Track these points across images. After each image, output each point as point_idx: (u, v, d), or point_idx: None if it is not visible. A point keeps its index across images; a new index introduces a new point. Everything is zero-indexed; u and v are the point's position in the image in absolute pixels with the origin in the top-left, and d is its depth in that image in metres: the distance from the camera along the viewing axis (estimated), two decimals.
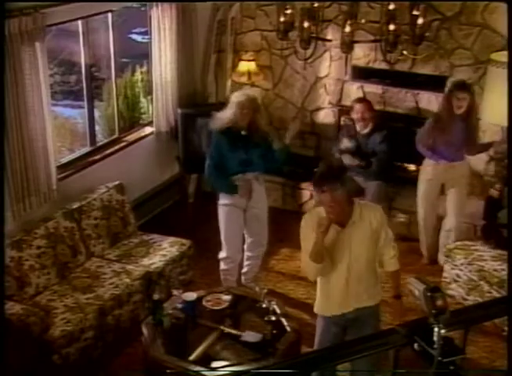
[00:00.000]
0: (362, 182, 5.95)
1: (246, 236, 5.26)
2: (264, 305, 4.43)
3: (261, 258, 5.42)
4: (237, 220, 5.11)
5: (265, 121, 5.13)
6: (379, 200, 5.56)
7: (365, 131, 5.98)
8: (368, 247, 3.68)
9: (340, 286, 3.75)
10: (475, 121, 5.46)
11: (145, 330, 4.27)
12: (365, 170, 5.96)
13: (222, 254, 5.21)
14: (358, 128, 6.02)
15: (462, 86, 5.39)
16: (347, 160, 5.91)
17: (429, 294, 1.74)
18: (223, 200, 5.08)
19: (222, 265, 5.25)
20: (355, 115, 6.00)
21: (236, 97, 4.93)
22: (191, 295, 4.48)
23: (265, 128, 5.12)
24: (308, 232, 3.65)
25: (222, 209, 5.09)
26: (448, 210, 5.66)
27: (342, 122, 6.75)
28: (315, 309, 3.94)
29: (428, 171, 5.63)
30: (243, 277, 5.40)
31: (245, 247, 5.29)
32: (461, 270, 5.29)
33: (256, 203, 5.10)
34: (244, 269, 5.39)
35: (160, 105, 6.35)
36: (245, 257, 5.33)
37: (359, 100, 6.11)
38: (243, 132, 4.90)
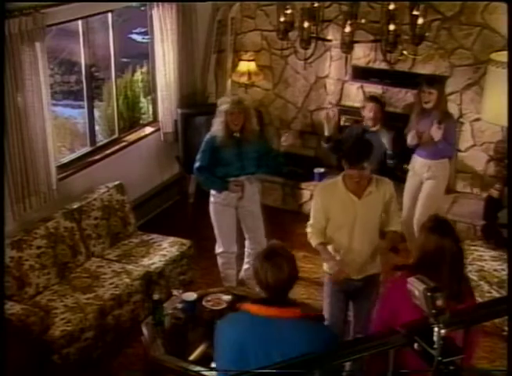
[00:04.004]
0: None
1: (244, 232, 5.32)
2: None
3: None
4: (229, 216, 5.17)
5: (255, 120, 5.15)
6: None
7: (374, 128, 5.91)
8: (379, 216, 4.01)
9: (353, 253, 4.01)
10: (447, 118, 5.36)
11: (145, 330, 4.27)
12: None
13: (218, 249, 5.29)
14: (365, 124, 5.89)
15: (429, 81, 5.42)
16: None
17: (429, 294, 1.75)
18: (214, 198, 5.15)
19: (220, 260, 5.32)
20: (366, 113, 5.84)
21: (221, 105, 4.99)
22: (191, 295, 4.48)
23: (256, 127, 5.16)
24: (319, 203, 4.06)
25: (213, 207, 5.17)
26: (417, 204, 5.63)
27: (342, 123, 6.76)
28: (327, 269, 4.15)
29: (411, 167, 5.67)
30: (243, 273, 5.45)
31: (246, 243, 5.35)
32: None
33: (248, 201, 5.16)
34: (245, 266, 5.42)
35: (166, 105, 6.36)
36: (245, 254, 5.39)
37: (373, 99, 5.93)
38: (235, 134, 4.97)
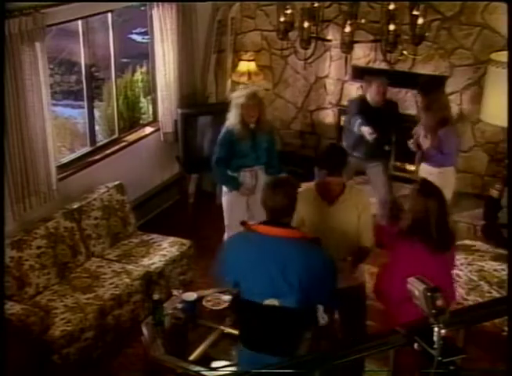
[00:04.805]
0: (362, 164, 5.90)
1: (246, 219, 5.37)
2: None
3: None
4: (240, 206, 5.29)
5: (267, 111, 5.36)
6: (385, 180, 5.85)
7: (379, 105, 5.77)
8: (353, 226, 3.89)
9: None
10: (444, 125, 5.25)
11: (145, 330, 4.27)
12: (368, 151, 5.83)
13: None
14: (372, 102, 5.76)
15: (422, 86, 5.48)
16: (365, 132, 5.57)
17: (429, 294, 1.74)
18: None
19: None
20: (373, 91, 5.72)
21: (236, 99, 5.09)
22: (191, 295, 4.48)
23: (268, 118, 5.35)
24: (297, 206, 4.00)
25: (227, 196, 5.28)
26: None
27: (342, 123, 6.75)
28: None
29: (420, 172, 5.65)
30: None
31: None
32: (461, 270, 5.29)
33: (259, 191, 5.22)
34: None
35: (166, 105, 6.37)
36: None
37: (377, 78, 5.76)
38: (251, 126, 5.10)
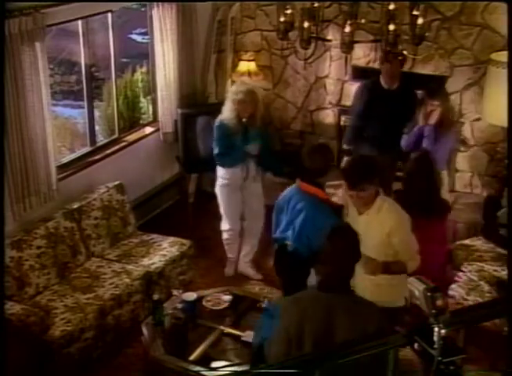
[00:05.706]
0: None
1: (245, 213, 5.54)
2: (264, 305, 4.42)
3: (259, 238, 5.63)
4: (235, 196, 5.43)
5: (262, 107, 5.43)
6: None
7: (393, 87, 5.63)
8: (374, 242, 3.61)
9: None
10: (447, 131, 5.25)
11: (145, 330, 4.27)
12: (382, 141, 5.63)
13: (224, 227, 5.58)
14: (385, 85, 5.63)
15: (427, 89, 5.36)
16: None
17: (429, 294, 1.74)
18: (221, 180, 5.40)
19: (225, 236, 5.63)
20: (385, 72, 5.58)
21: (234, 94, 5.21)
22: (191, 295, 4.48)
23: (263, 113, 5.44)
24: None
25: (221, 189, 5.42)
26: None
27: (342, 123, 6.75)
28: None
29: None
30: (241, 260, 5.68)
31: (244, 224, 5.60)
32: (461, 270, 5.29)
33: (252, 182, 5.42)
34: (243, 252, 5.68)
35: (166, 105, 6.37)
36: (243, 235, 5.65)
37: (393, 57, 5.25)
38: (244, 120, 5.20)
